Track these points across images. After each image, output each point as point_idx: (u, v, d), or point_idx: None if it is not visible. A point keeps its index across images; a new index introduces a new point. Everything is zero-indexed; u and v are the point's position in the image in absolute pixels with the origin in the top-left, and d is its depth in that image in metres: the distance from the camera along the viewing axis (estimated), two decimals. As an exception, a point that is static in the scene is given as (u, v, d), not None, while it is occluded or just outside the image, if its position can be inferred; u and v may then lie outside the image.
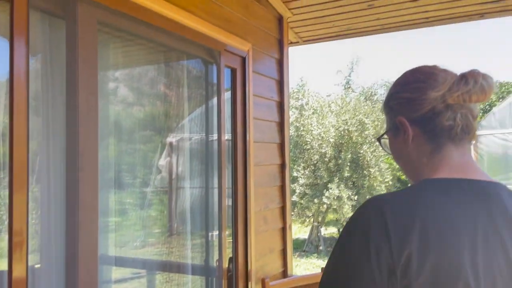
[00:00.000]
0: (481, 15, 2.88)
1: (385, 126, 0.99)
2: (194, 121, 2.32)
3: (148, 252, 2.06)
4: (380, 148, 8.36)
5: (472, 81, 0.83)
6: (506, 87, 24.73)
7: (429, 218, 0.74)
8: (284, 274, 2.96)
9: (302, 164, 8.38)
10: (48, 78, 1.49)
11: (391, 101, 0.93)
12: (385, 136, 0.97)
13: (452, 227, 0.75)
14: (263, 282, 2.42)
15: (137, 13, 1.73)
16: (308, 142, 8.09)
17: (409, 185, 0.91)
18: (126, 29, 1.75)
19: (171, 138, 2.18)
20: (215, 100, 2.28)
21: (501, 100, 19.85)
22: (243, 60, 2.51)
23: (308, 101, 8.59)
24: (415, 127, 0.88)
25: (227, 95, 2.40)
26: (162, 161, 2.14)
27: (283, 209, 2.97)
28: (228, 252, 2.38)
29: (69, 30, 1.46)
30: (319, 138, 8.06)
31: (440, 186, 0.81)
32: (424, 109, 0.86)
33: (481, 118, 13.64)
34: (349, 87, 8.84)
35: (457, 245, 0.73)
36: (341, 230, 9.38)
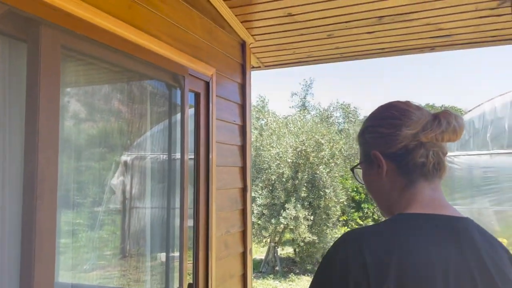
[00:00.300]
0: (432, 48, 3.08)
1: (359, 156, 1.01)
2: (155, 142, 2.28)
3: (101, 276, 1.98)
4: (336, 169, 8.56)
5: (445, 122, 0.88)
6: (451, 111, 26.44)
7: (405, 255, 0.77)
8: (244, 299, 2.94)
9: (260, 184, 8.42)
10: (7, 102, 1.42)
11: (366, 134, 0.96)
12: (359, 166, 0.99)
13: (426, 263, 0.77)
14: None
15: (102, 37, 1.70)
16: (267, 162, 8.17)
17: (383, 219, 0.93)
18: (90, 53, 1.71)
19: (130, 158, 2.13)
20: (177, 121, 2.26)
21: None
22: (207, 84, 2.52)
23: (268, 121, 8.70)
24: (389, 161, 0.91)
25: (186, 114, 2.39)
26: (115, 180, 2.09)
27: (243, 233, 2.96)
28: (187, 278, 2.34)
29: (31, 54, 1.41)
30: (277, 158, 8.15)
31: (414, 221, 0.84)
32: (398, 145, 0.89)
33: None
34: (304, 109, 9.05)
35: (431, 281, 0.76)
36: (297, 250, 9.36)
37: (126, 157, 2.11)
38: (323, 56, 3.33)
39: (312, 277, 0.86)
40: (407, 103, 0.94)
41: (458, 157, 9.51)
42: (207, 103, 2.52)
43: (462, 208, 9.40)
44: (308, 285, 0.84)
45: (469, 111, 9.94)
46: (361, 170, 0.99)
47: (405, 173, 0.90)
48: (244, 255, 2.94)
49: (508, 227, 8.61)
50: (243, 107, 2.99)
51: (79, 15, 1.58)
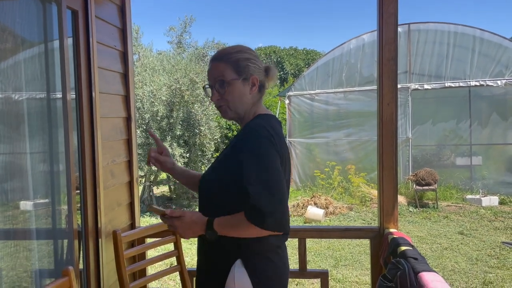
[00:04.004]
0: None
1: (228, 74, 1.51)
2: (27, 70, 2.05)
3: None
4: (210, 107, 8.69)
5: (274, 70, 1.62)
6: (311, 54, 28.28)
7: (278, 132, 1.50)
8: (132, 226, 2.96)
9: (133, 124, 8.16)
10: None
11: (250, 63, 1.54)
12: (234, 80, 1.54)
13: (282, 135, 1.53)
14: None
15: None
16: (139, 100, 7.89)
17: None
18: None
19: None
20: (55, 48, 2.06)
21: (307, 66, 22.62)
22: (85, 2, 2.31)
23: (140, 56, 8.27)
24: (258, 84, 1.58)
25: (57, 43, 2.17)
26: None
27: (129, 163, 2.92)
28: (77, 212, 2.26)
29: None
30: (151, 96, 7.92)
31: (271, 117, 1.57)
32: (262, 77, 1.58)
33: (294, 80, 15.34)
34: (180, 46, 8.81)
35: (284, 143, 1.52)
36: (173, 187, 9.41)
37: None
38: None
39: (249, 160, 1.40)
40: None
41: (318, 95, 10.45)
42: (86, 24, 2.32)
43: (321, 140, 10.51)
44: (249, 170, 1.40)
45: (328, 52, 10.84)
46: (232, 86, 1.53)
47: (260, 93, 1.60)
48: (130, 185, 2.92)
49: (357, 154, 9.96)
50: (123, 31, 2.82)
51: None
